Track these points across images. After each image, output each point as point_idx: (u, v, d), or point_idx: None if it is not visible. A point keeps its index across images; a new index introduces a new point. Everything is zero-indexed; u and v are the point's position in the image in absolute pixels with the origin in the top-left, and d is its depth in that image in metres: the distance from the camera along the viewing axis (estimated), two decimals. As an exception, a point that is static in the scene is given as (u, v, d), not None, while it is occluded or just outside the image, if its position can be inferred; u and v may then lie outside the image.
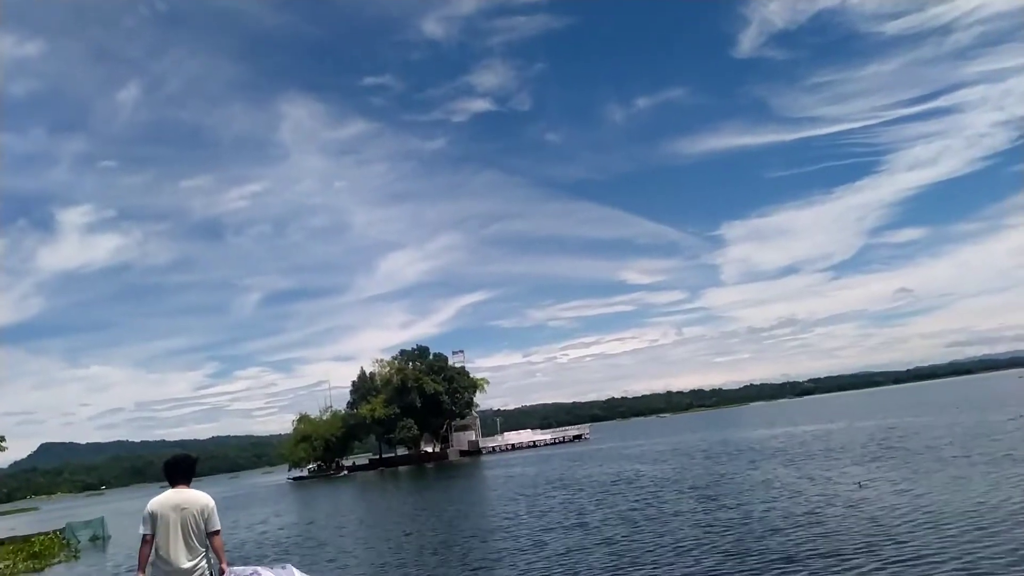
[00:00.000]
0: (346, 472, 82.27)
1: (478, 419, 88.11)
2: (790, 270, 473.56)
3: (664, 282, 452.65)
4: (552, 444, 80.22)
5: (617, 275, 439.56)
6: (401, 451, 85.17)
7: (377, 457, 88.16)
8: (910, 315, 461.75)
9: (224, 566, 5.70)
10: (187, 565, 5.51)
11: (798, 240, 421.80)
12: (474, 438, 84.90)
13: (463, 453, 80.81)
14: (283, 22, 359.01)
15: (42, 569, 20.90)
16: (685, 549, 11.76)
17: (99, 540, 29.34)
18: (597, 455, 47.01)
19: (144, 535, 5.54)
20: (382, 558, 15.56)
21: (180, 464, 5.93)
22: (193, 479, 6.01)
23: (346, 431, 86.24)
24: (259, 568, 5.28)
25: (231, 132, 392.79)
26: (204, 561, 5.65)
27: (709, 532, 13.00)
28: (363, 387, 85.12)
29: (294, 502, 44.56)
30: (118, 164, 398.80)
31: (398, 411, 78.79)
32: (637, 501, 19.13)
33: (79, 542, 28.62)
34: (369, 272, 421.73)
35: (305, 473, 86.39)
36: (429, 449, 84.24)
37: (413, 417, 79.43)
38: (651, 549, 12.16)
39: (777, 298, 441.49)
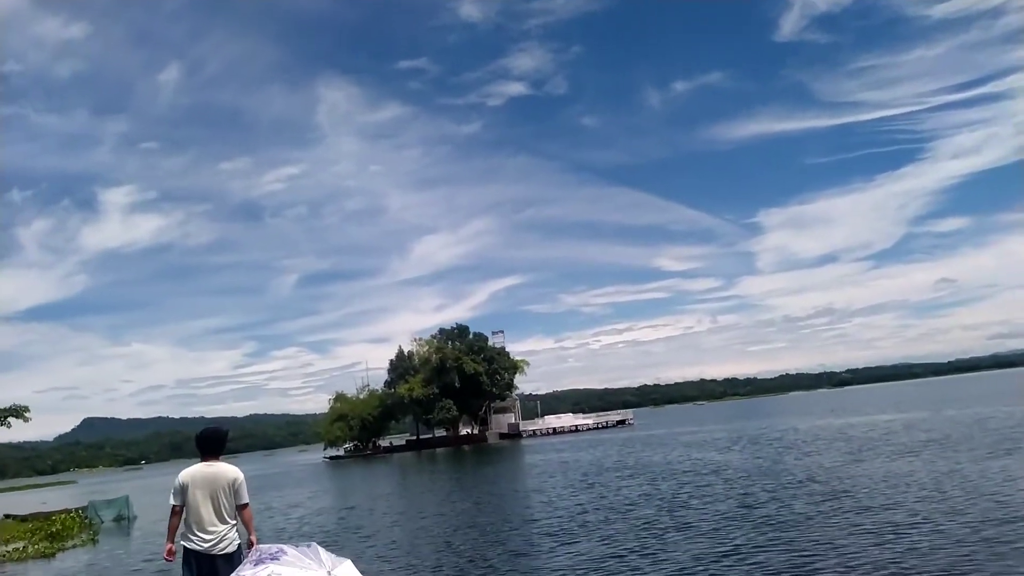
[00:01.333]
0: (382, 453, 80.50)
1: (518, 401, 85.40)
2: (828, 259, 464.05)
3: (699, 269, 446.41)
4: (595, 429, 77.18)
5: (651, 261, 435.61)
6: (439, 432, 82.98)
7: (414, 438, 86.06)
8: (951, 306, 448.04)
9: (253, 538, 5.77)
10: (216, 536, 5.62)
11: (837, 228, 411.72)
12: (514, 421, 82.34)
13: (503, 436, 78.32)
14: (321, 5, 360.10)
15: (54, 554, 18.62)
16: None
17: (124, 520, 27.26)
18: (652, 441, 43.98)
19: (174, 506, 5.69)
20: (426, 547, 13.96)
21: (211, 437, 5.97)
22: (227, 455, 6.09)
23: (383, 411, 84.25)
24: (284, 546, 5.02)
25: (269, 115, 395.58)
26: (233, 532, 5.74)
27: (877, 544, 9.95)
28: (401, 366, 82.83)
29: (330, 483, 42.47)
30: (159, 145, 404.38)
31: (437, 391, 76.43)
32: (739, 497, 16.11)
33: (102, 522, 26.62)
34: (403, 255, 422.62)
35: (341, 452, 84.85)
36: (467, 431, 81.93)
37: (452, 398, 77.02)
38: (806, 559, 9.22)
39: (814, 287, 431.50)
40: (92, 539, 21.24)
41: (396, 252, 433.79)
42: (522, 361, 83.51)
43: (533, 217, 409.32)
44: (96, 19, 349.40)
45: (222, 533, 5.65)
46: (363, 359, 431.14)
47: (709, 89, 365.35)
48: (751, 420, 59.72)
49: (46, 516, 27.24)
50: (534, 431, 77.86)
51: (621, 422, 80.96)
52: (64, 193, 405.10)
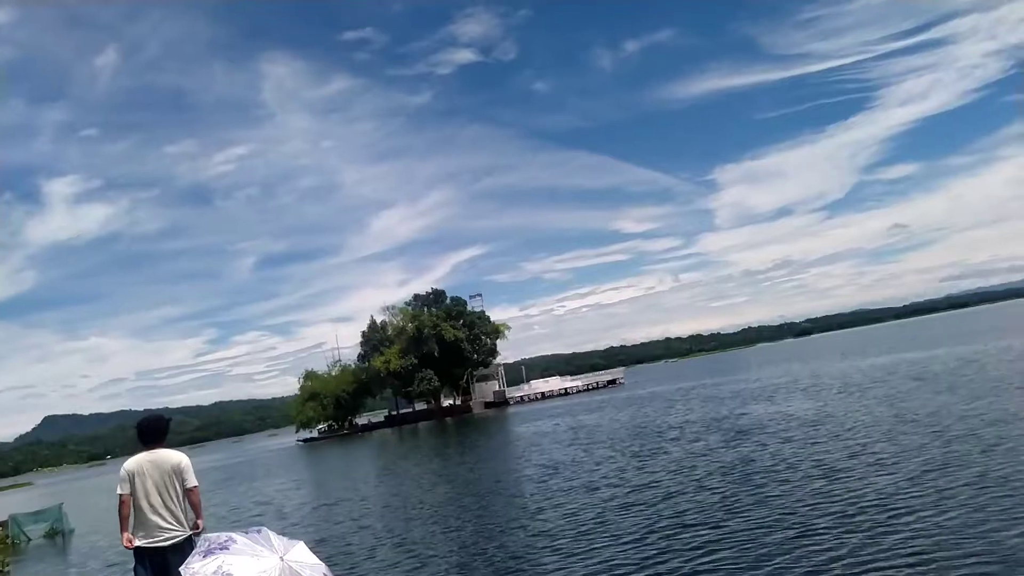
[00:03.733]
0: (360, 431, 75.73)
1: (502, 368, 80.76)
2: (784, 212, 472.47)
3: (658, 229, 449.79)
4: (586, 391, 73.11)
5: (611, 224, 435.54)
6: (419, 406, 78.17)
7: (394, 413, 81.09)
8: (905, 251, 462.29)
9: (200, 522, 5.79)
10: (166, 523, 5.60)
11: (791, 181, 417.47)
12: (499, 388, 77.83)
13: (488, 405, 73.75)
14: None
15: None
16: None
17: (58, 535, 22.17)
18: (656, 399, 39.76)
19: (121, 495, 5.64)
20: (415, 540, 11.84)
21: (152, 426, 5.93)
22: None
23: (358, 386, 79.11)
24: (233, 534, 4.75)
25: (213, 94, 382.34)
26: (183, 519, 5.71)
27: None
28: (374, 338, 77.33)
29: (305, 469, 37.75)
30: (100, 132, 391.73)
31: (415, 362, 71.33)
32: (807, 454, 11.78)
33: (28, 540, 21.55)
34: (362, 231, 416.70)
35: (315, 434, 79.73)
36: (450, 403, 77.30)
37: (431, 368, 72.18)
38: None
39: (772, 240, 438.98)
40: (3, 565, 16.31)
41: (354, 228, 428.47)
42: (503, 325, 78.88)
43: (491, 186, 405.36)
44: (24, 3, 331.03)
45: (171, 522, 5.62)
46: (327, 339, 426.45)
47: (659, 47, 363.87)
48: (746, 371, 55.96)
49: (-41, 537, 22.01)
50: (521, 397, 73.54)
51: (612, 382, 76.95)
52: (5, 187, 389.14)
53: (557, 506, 12.33)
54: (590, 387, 75.71)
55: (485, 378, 78.60)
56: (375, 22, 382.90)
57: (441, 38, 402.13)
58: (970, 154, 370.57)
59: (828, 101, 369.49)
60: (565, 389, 75.13)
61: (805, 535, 7.97)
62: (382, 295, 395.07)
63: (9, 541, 20.84)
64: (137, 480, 5.62)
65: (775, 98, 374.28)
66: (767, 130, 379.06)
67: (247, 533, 4.79)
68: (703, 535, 8.75)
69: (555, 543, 9.70)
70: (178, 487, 5.69)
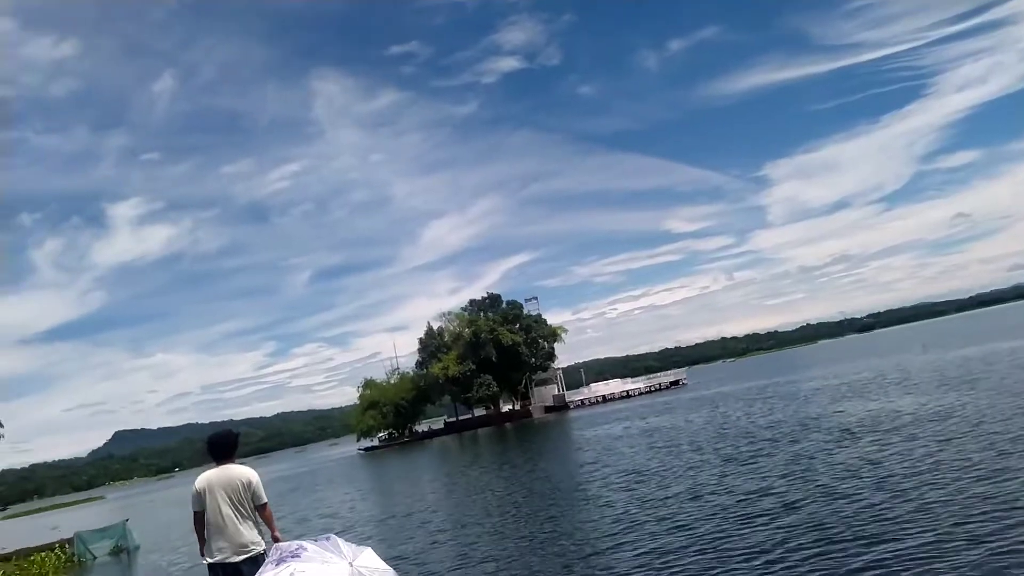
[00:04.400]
0: (420, 439, 75.05)
1: (560, 371, 79.09)
2: (840, 205, 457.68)
3: (710, 228, 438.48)
4: (648, 392, 71.00)
5: (662, 225, 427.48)
6: (478, 412, 77.05)
7: (453, 420, 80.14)
8: (968, 240, 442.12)
9: (277, 534, 5.72)
10: (239, 539, 5.62)
11: (846, 173, 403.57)
12: (558, 392, 76.22)
13: (548, 409, 72.12)
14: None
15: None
16: None
17: (123, 552, 21.60)
18: (728, 399, 37.77)
19: (196, 512, 5.73)
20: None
21: (221, 441, 5.95)
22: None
23: (417, 394, 78.39)
24: (303, 542, 4.91)
25: (267, 114, 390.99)
26: (256, 535, 5.72)
27: None
28: (431, 345, 76.52)
29: (367, 479, 36.91)
30: (160, 156, 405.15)
31: (473, 367, 70.15)
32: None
33: (93, 558, 21.00)
34: (413, 242, 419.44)
35: (375, 443, 79.30)
36: (509, 408, 75.98)
37: (490, 373, 71.02)
38: None
39: (828, 235, 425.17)
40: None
41: (406, 239, 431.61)
42: (560, 328, 77.20)
43: (539, 192, 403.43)
44: (86, 35, 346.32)
45: (245, 536, 5.64)
46: (383, 348, 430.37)
47: (705, 44, 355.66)
48: (817, 368, 53.38)
49: (27, 554, 21.59)
50: (582, 401, 71.74)
51: (675, 383, 74.57)
52: (72, 211, 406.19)
53: (661, 519, 10.91)
54: (652, 389, 73.53)
55: (544, 382, 77.08)
56: (419, 35, 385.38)
57: (485, 47, 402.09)
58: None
59: (882, 90, 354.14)
60: (626, 391, 73.11)
61: (1003, 553, 6.42)
62: (435, 304, 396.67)
63: (76, 559, 20.37)
64: (208, 497, 5.69)
65: (827, 90, 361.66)
66: (820, 122, 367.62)
67: (316, 541, 4.92)
68: (866, 553, 7.24)
69: (673, 561, 8.30)
70: (249, 502, 5.73)
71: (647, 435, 26.12)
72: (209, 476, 5.77)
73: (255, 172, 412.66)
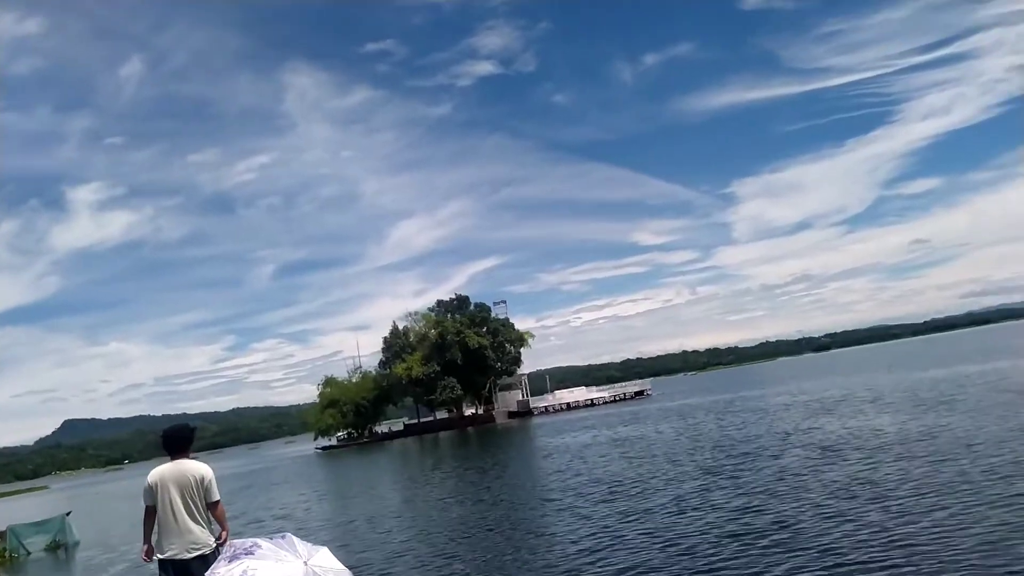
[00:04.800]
0: (380, 440, 73.69)
1: (525, 377, 78.29)
2: (803, 225, 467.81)
3: (676, 242, 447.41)
4: (612, 402, 70.63)
5: (629, 236, 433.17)
6: (440, 414, 75.93)
7: (414, 422, 78.93)
8: (925, 267, 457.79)
9: (226, 534, 5.65)
10: (190, 536, 5.50)
11: (810, 195, 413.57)
12: (522, 398, 75.45)
13: (511, 415, 71.34)
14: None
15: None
16: None
17: (60, 548, 20.25)
18: (697, 411, 37.35)
19: (147, 507, 5.61)
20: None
21: (177, 435, 5.82)
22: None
23: (379, 394, 76.86)
24: (258, 540, 4.80)
25: (237, 104, 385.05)
26: (207, 534, 5.60)
27: None
28: (396, 344, 75.15)
29: (326, 479, 35.74)
30: (125, 140, 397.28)
31: (438, 369, 68.96)
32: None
33: (27, 553, 19.62)
34: (380, 241, 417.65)
35: (333, 442, 77.74)
36: (471, 412, 75.04)
37: (455, 376, 69.97)
38: None
39: (790, 254, 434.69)
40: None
41: (373, 238, 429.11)
42: (527, 333, 76.42)
43: (509, 197, 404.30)
44: (53, 13, 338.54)
45: (196, 533, 5.52)
46: (344, 347, 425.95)
47: (679, 60, 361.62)
48: (781, 384, 53.36)
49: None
50: (546, 408, 71.10)
51: (639, 393, 74.39)
52: (31, 193, 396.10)
53: (646, 533, 10.19)
54: (616, 398, 73.24)
55: (508, 387, 76.27)
56: (396, 34, 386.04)
57: (461, 50, 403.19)
58: (992, 169, 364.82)
59: (848, 115, 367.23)
60: (591, 400, 72.70)
61: None
62: (399, 304, 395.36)
63: (6, 555, 19.00)
64: (160, 492, 5.57)
65: (795, 112, 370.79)
66: (786, 144, 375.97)
67: (272, 539, 4.83)
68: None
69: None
70: (202, 499, 5.61)
71: (617, 444, 25.48)
72: (162, 471, 5.64)
73: (222, 162, 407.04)
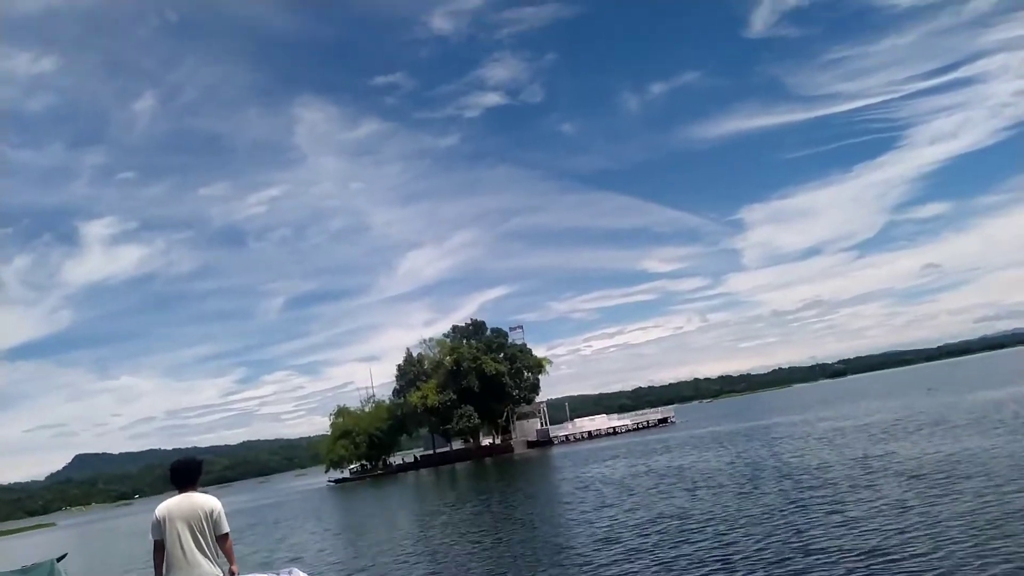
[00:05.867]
0: (395, 471, 71.10)
1: (544, 404, 75.74)
2: (813, 251, 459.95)
3: (686, 269, 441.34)
4: (636, 430, 67.89)
5: (638, 264, 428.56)
6: (456, 445, 73.36)
7: (430, 452, 76.36)
8: (938, 291, 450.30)
9: (234, 568, 5.62)
10: (198, 570, 5.40)
11: (820, 220, 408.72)
12: (541, 426, 72.81)
13: (530, 444, 68.82)
14: (292, 25, 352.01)
15: None
16: None
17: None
18: (735, 438, 34.96)
19: (155, 541, 5.54)
20: None
21: (185, 469, 5.74)
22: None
23: (393, 424, 74.35)
24: (265, 575, 5.26)
25: (247, 138, 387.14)
26: (215, 566, 5.51)
27: None
28: (410, 372, 72.90)
29: (339, 514, 33.44)
30: (137, 175, 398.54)
31: (454, 397, 66.68)
32: None
33: (11, 602, 17.38)
34: (390, 272, 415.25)
35: (346, 474, 75.22)
36: (489, 441, 72.41)
37: (472, 404, 67.52)
38: None
39: (801, 280, 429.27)
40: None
41: (382, 269, 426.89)
42: (545, 359, 74.07)
43: (518, 226, 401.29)
44: (67, 51, 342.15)
45: (204, 568, 5.38)
46: (354, 378, 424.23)
47: (685, 89, 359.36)
48: (814, 410, 50.64)
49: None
50: (566, 437, 68.46)
51: (663, 420, 71.58)
52: (44, 228, 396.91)
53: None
54: (640, 426, 70.45)
55: (526, 415, 73.66)
56: (404, 67, 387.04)
57: (468, 82, 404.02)
58: (1003, 192, 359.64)
59: (856, 140, 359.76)
60: (613, 428, 69.96)
61: None
62: (409, 335, 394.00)
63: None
64: (168, 526, 5.43)
65: (802, 138, 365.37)
66: (794, 170, 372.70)
67: (279, 574, 5.27)
68: None
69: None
70: (211, 532, 5.46)
71: (663, 475, 23.10)
72: (170, 504, 5.54)
73: (232, 195, 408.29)
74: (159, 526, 5.42)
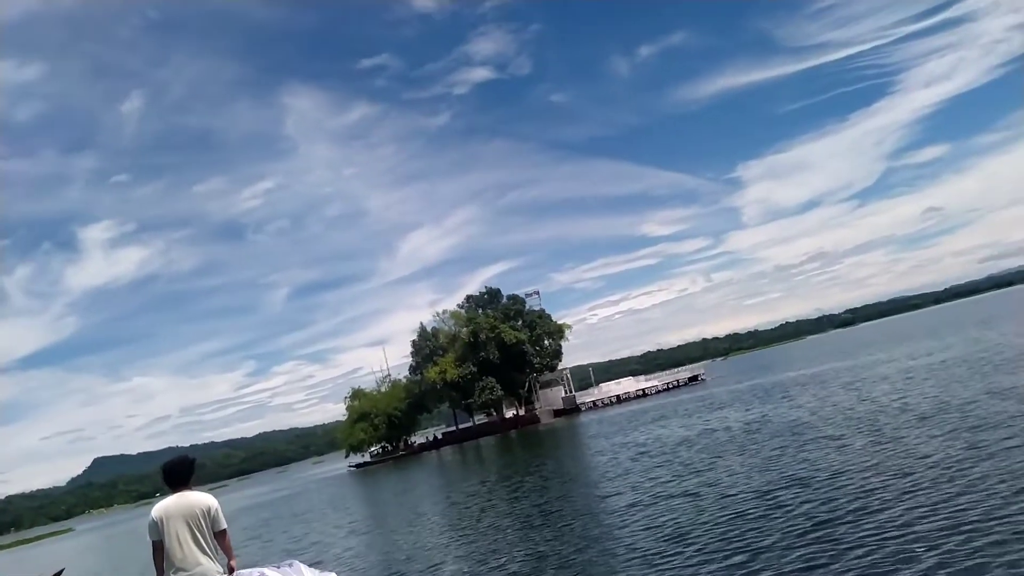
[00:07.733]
0: (418, 451, 68.39)
1: (567, 371, 72.65)
2: (812, 204, 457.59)
3: (686, 231, 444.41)
4: (666, 391, 64.69)
5: (638, 229, 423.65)
6: (479, 419, 70.42)
7: (452, 429, 73.51)
8: (940, 234, 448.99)
9: (233, 563, 5.56)
10: (199, 568, 5.35)
11: (817, 172, 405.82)
12: (566, 394, 69.70)
13: (557, 413, 65.69)
14: (275, 15, 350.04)
15: None
16: None
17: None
18: (792, 388, 31.67)
19: (154, 542, 5.48)
20: None
21: (176, 468, 5.68)
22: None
23: (412, 402, 71.54)
24: (264, 568, 5.15)
25: (238, 131, 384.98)
26: (215, 563, 5.49)
27: None
28: (425, 347, 69.81)
29: (365, 500, 30.59)
30: (131, 177, 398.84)
31: (474, 370, 63.54)
32: None
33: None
34: (391, 255, 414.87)
35: (367, 458, 72.58)
36: (514, 413, 69.46)
37: (493, 375, 64.35)
38: None
39: (802, 234, 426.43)
40: None
41: (383, 253, 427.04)
42: (566, 325, 70.74)
43: (515, 200, 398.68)
44: (50, 57, 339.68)
45: (204, 565, 5.32)
46: (364, 364, 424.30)
47: (674, 50, 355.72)
48: (854, 357, 46.93)
49: None
50: (593, 403, 65.30)
51: (694, 379, 68.48)
52: (43, 236, 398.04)
53: None
54: (670, 386, 67.27)
55: (549, 384, 70.50)
56: (390, 48, 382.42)
57: (455, 58, 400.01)
58: (1000, 131, 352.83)
59: (849, 89, 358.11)
60: (642, 390, 66.77)
61: None
62: (415, 316, 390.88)
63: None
64: (166, 526, 5.36)
65: (795, 90, 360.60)
66: (789, 123, 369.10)
67: (279, 567, 5.08)
68: None
69: None
70: (209, 529, 5.42)
71: (734, 435, 19.85)
72: (167, 504, 5.43)
73: (228, 190, 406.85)
74: (157, 527, 5.36)
